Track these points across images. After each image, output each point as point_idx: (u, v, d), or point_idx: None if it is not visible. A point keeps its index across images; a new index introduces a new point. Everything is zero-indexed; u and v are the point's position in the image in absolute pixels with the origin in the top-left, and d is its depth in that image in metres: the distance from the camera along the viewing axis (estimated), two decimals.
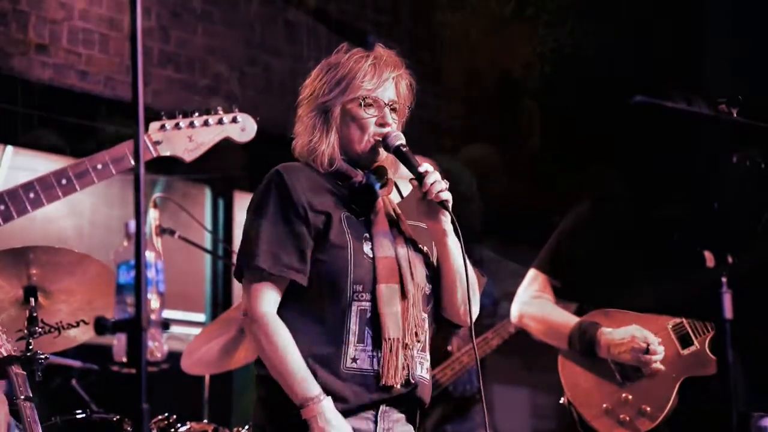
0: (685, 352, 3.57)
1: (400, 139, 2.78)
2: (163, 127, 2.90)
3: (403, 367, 2.69)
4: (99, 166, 2.78)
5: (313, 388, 2.63)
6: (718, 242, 3.51)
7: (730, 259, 3.34)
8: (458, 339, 4.54)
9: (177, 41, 5.95)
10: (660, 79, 5.38)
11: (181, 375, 4.31)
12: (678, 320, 3.59)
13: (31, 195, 2.72)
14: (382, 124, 2.79)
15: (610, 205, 3.91)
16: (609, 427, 3.59)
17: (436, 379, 4.49)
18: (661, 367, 3.54)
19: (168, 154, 2.90)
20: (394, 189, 2.88)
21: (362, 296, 2.69)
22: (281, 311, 2.71)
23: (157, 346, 4.69)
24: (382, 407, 2.72)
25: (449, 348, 4.55)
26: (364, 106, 2.78)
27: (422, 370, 2.77)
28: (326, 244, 2.70)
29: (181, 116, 2.93)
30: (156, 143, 2.87)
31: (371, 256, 2.71)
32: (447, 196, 2.73)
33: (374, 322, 2.69)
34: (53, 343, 3.36)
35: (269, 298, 2.70)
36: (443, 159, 4.79)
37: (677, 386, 3.55)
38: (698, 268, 3.57)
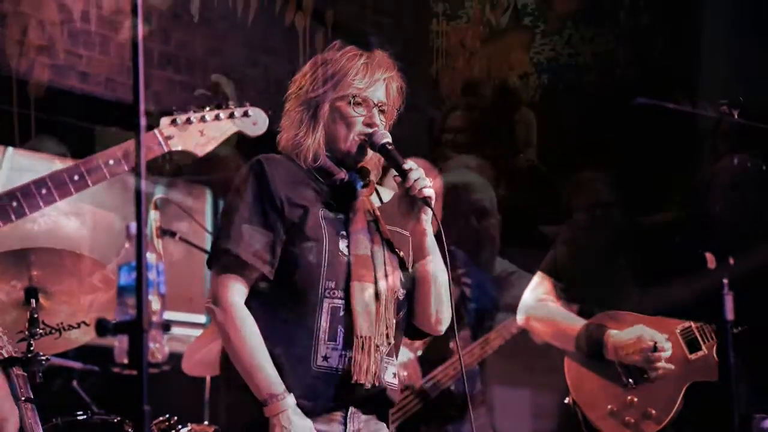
0: (693, 356, 3.56)
1: (386, 138, 2.74)
2: (174, 121, 2.88)
3: (375, 366, 2.63)
4: (111, 162, 2.76)
5: (278, 386, 2.58)
6: (720, 244, 3.52)
7: (731, 261, 3.35)
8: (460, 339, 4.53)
9: (177, 43, 5.95)
10: (659, 84, 5.38)
11: (182, 376, 4.31)
12: (686, 325, 3.58)
13: (44, 191, 2.71)
14: (370, 124, 2.76)
15: (609, 211, 3.91)
16: (614, 428, 3.59)
17: (438, 380, 4.48)
18: (670, 366, 3.52)
19: (180, 148, 2.88)
20: (375, 195, 2.84)
21: (334, 293, 2.64)
22: (251, 306, 2.66)
23: (158, 348, 4.68)
24: (351, 408, 2.68)
25: (450, 346, 4.54)
26: (353, 104, 2.75)
27: (389, 375, 2.72)
28: (301, 238, 2.66)
29: (192, 111, 2.91)
30: (168, 138, 2.86)
31: (347, 253, 2.67)
32: (430, 192, 2.68)
33: (347, 321, 2.64)
34: (54, 345, 3.35)
35: (238, 289, 2.66)
36: (464, 172, 4.78)
37: (683, 390, 3.54)
38: (700, 270, 3.57)
